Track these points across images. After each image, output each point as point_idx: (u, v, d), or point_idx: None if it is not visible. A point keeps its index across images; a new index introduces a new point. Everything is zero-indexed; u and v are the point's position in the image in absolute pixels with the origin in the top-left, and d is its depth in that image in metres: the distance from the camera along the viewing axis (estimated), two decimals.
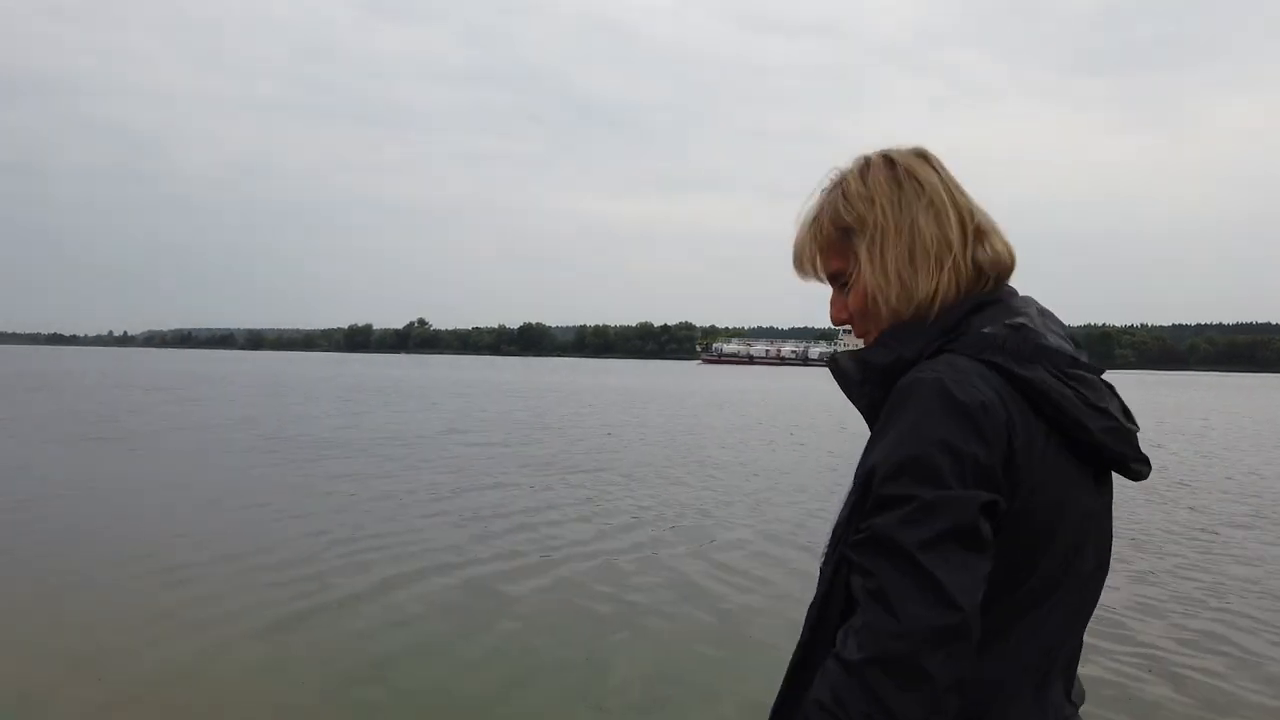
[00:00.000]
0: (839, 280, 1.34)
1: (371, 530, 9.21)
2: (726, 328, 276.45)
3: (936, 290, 1.25)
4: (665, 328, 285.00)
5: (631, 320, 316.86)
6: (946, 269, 1.26)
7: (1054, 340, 1.21)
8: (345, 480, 12.64)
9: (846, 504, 1.22)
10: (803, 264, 1.37)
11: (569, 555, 8.33)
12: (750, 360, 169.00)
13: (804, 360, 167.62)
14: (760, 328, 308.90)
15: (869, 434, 1.24)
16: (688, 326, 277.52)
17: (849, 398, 1.32)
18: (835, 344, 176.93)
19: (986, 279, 1.28)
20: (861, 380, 1.28)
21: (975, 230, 1.28)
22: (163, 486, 11.84)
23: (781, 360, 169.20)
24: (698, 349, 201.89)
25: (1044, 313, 1.29)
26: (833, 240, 1.33)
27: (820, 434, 22.41)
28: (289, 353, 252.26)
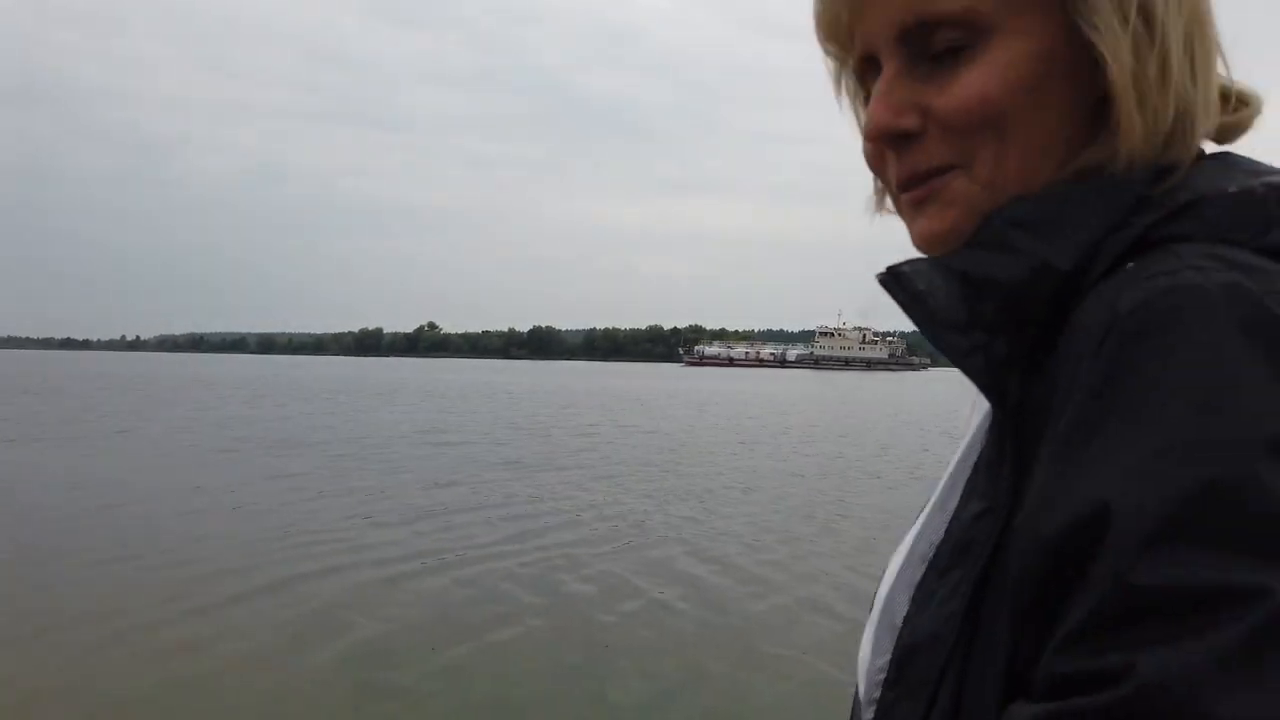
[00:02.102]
0: (947, 33, 0.60)
1: (322, 530, 8.91)
2: (736, 330, 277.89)
3: (1190, 108, 0.61)
4: (675, 330, 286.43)
5: (641, 323, 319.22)
6: (1213, 72, 0.62)
7: None
8: (302, 479, 12.36)
9: (959, 573, 0.59)
10: None
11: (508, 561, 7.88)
12: (730, 362, 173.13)
13: (782, 362, 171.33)
14: (770, 330, 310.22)
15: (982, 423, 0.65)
16: (697, 329, 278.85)
17: (944, 350, 0.63)
18: (812, 345, 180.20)
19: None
20: (969, 318, 0.60)
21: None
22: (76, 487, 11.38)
23: (760, 362, 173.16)
24: (680, 351, 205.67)
25: None
26: None
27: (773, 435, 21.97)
28: (298, 356, 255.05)
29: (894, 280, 0.63)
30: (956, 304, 0.60)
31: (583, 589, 7.03)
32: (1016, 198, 0.61)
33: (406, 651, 5.53)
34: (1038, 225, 0.59)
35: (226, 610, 6.22)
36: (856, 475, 14.35)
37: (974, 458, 0.65)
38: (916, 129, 0.63)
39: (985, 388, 0.60)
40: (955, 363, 0.61)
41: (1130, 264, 0.55)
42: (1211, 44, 0.62)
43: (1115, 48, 0.59)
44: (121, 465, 13.68)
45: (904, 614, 0.64)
